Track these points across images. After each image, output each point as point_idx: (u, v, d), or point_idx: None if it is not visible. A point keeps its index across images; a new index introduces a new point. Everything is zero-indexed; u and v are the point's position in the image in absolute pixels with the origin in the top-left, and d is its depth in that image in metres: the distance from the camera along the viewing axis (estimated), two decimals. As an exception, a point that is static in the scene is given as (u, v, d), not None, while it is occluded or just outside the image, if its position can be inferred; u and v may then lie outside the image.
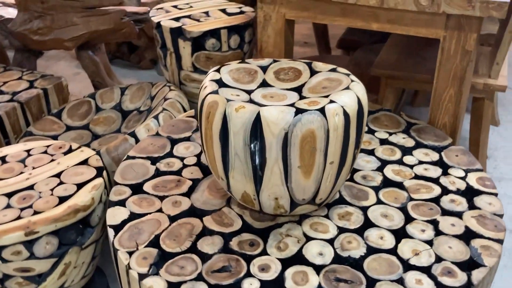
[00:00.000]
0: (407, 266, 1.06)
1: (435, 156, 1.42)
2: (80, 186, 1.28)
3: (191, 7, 2.07)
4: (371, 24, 1.54)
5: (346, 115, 1.04)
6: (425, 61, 1.99)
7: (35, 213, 1.19)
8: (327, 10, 1.58)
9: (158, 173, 1.37)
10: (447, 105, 1.56)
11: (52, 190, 1.27)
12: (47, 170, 1.35)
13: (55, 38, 2.14)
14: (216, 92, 1.09)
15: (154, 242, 1.14)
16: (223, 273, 1.05)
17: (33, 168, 1.35)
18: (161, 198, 1.27)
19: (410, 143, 1.48)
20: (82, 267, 1.30)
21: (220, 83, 1.15)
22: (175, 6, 2.07)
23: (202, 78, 1.93)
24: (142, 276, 1.05)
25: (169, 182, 1.33)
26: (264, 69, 1.24)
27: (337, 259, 1.08)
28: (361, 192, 1.28)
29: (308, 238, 1.13)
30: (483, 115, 1.86)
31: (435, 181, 1.32)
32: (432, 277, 1.03)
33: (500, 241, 1.12)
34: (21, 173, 1.34)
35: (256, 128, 1.03)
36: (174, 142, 1.50)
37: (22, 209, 1.21)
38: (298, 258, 1.08)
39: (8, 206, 1.22)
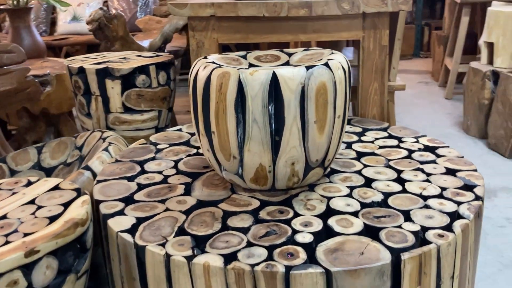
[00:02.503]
0: (423, 197, 1.15)
1: (384, 134, 1.60)
2: (65, 205, 1.12)
3: (104, 56, 2.04)
4: (299, 36, 1.73)
5: (344, 70, 1.15)
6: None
7: (25, 235, 1.00)
8: (258, 29, 1.73)
9: (142, 186, 1.27)
10: (374, 97, 1.78)
11: (33, 214, 1.08)
12: (14, 200, 1.14)
13: None
14: (219, 66, 1.11)
15: (182, 232, 1.04)
16: (271, 236, 1.01)
17: (-6, 203, 1.14)
18: (162, 202, 1.18)
19: (358, 130, 1.64)
20: None
21: (214, 64, 1.18)
22: (87, 57, 2.02)
23: (134, 119, 1.88)
24: (190, 258, 0.94)
25: (161, 190, 1.24)
26: (244, 57, 1.30)
27: (364, 205, 1.12)
28: (346, 163, 1.36)
29: (328, 198, 1.16)
30: (390, 116, 2.14)
31: (398, 147, 1.48)
32: (448, 199, 1.14)
33: (475, 170, 1.29)
34: (-19, 209, 1.11)
35: (273, 88, 1.06)
36: (140, 163, 1.41)
37: (6, 235, 1.00)
38: (331, 211, 1.10)
39: (-14, 236, 1.00)
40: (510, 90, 2.57)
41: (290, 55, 1.31)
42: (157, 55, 2.04)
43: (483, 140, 2.86)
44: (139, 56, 2.03)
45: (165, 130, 1.70)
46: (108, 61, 1.92)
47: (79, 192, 1.20)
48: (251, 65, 1.26)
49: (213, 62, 1.19)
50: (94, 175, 1.45)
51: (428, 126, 3.14)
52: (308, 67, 1.08)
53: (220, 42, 1.76)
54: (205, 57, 1.24)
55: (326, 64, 1.11)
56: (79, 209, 1.09)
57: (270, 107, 1.07)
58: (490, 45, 2.83)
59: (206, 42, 1.75)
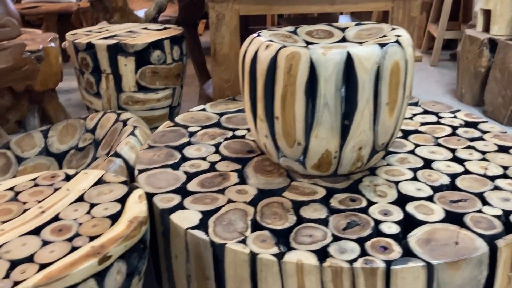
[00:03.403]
0: (489, 178, 1.13)
1: (419, 109, 1.56)
2: (121, 202, 1.02)
3: (107, 30, 1.88)
4: (325, 7, 1.65)
5: (412, 47, 1.09)
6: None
7: (91, 239, 0.90)
8: (282, 0, 1.63)
9: (191, 175, 1.18)
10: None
11: (88, 213, 0.98)
12: (61, 198, 1.04)
13: None
14: (285, 46, 1.03)
15: (256, 226, 0.98)
16: (354, 228, 0.96)
17: (38, 201, 1.03)
18: (220, 192, 1.10)
19: (390, 105, 1.59)
20: None
21: (276, 43, 1.08)
22: (89, 31, 1.86)
23: (148, 98, 1.75)
24: (279, 256, 0.88)
25: (213, 179, 1.16)
26: (295, 33, 1.22)
27: (435, 189, 1.09)
28: (396, 142, 1.32)
29: (395, 182, 1.12)
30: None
31: (439, 123, 1.44)
32: (515, 179, 1.13)
33: (525, 145, 1.28)
34: (25, 210, 1.00)
35: (348, 69, 0.99)
36: (178, 149, 1.32)
37: (69, 240, 0.90)
38: (405, 198, 1.06)
39: (46, 242, 0.90)
40: (509, 58, 2.59)
41: (342, 30, 1.24)
42: (165, 28, 1.90)
43: (478, 107, 2.90)
44: (146, 29, 1.89)
45: (189, 110, 1.60)
46: (115, 36, 1.77)
47: (126, 184, 1.10)
48: (307, 42, 1.17)
49: (271, 41, 1.09)
50: (126, 162, 1.35)
51: (421, 95, 3.15)
52: (381, 45, 1.02)
53: (242, 14, 1.65)
54: (258, 35, 1.15)
55: (397, 42, 1.04)
56: (139, 206, 1.00)
57: (343, 89, 1.00)
58: (487, 12, 2.82)
59: (227, 14, 1.64)
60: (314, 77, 0.99)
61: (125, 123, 1.56)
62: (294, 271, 0.87)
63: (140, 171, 1.21)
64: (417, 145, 1.30)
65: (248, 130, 1.41)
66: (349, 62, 0.99)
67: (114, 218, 0.97)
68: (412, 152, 1.26)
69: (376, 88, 1.02)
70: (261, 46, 1.06)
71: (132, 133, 1.44)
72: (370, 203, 1.04)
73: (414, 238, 0.92)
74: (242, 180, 1.15)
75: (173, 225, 1.01)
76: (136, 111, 1.76)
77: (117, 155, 1.36)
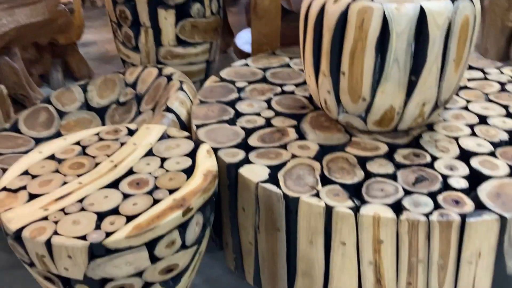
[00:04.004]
0: (547, 134, 1.15)
1: (463, 65, 1.55)
2: (191, 156, 1.04)
3: (142, -19, 1.84)
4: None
5: (479, 1, 1.07)
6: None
7: (170, 192, 0.93)
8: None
9: (249, 130, 1.19)
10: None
11: (162, 167, 1.00)
12: (130, 152, 1.05)
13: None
14: (354, 0, 1.01)
15: (326, 180, 1.00)
16: (423, 183, 0.98)
17: (108, 156, 1.04)
18: (282, 148, 1.12)
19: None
20: (198, 263, 1.05)
21: None
22: (125, -17, 1.82)
23: (187, 53, 1.74)
24: (355, 209, 0.91)
25: (272, 134, 1.17)
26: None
27: (495, 144, 1.10)
28: (446, 98, 1.32)
29: (455, 138, 1.13)
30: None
31: (486, 79, 1.44)
32: None
33: None
34: (97, 164, 1.02)
35: (419, 24, 0.98)
36: (229, 104, 1.32)
37: (149, 193, 0.92)
38: (467, 153, 1.07)
39: (127, 195, 0.92)
40: (540, 13, 2.54)
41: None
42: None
43: (503, 63, 2.88)
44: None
45: (231, 65, 1.59)
46: (152, -12, 1.73)
47: (190, 139, 1.11)
48: None
49: None
50: (178, 117, 1.36)
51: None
52: (453, 0, 1.00)
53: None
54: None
55: (467, -4, 1.03)
56: (210, 160, 1.02)
57: (413, 44, 1.00)
58: (518, -35, 2.75)
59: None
60: (385, 32, 0.99)
61: (169, 78, 1.55)
62: (370, 223, 0.90)
63: (198, 126, 1.22)
64: (468, 101, 1.30)
65: (297, 85, 1.41)
66: (421, 17, 0.98)
67: (188, 172, 0.99)
68: (465, 108, 1.27)
69: (446, 44, 1.02)
70: (329, 0, 1.05)
71: (181, 88, 1.44)
72: (434, 158, 1.06)
73: (483, 192, 0.94)
74: (301, 136, 1.17)
75: (242, 179, 1.03)
76: (175, 66, 1.75)
77: (168, 110, 1.36)
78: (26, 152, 1.48)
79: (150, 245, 0.85)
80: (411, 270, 0.92)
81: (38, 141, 1.54)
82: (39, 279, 0.94)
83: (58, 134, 1.59)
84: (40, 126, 1.61)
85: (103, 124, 1.66)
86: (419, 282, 0.93)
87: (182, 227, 0.89)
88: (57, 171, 1.00)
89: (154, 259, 0.87)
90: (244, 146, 1.14)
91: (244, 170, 1.03)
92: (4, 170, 1.32)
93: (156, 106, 1.56)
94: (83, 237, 0.82)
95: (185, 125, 1.36)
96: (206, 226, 0.99)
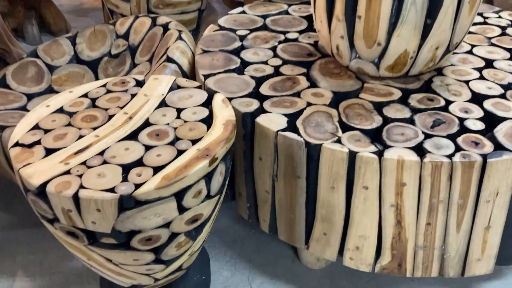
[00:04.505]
0: (552, 76, 1.17)
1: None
2: (206, 106, 1.02)
3: None
4: None
5: None
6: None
7: (193, 143, 0.91)
8: None
9: (259, 79, 1.17)
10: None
11: (178, 118, 0.98)
12: (143, 103, 1.02)
13: None
14: None
15: (345, 127, 1.00)
16: (440, 126, 0.99)
17: (120, 107, 1.01)
18: (296, 96, 1.10)
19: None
20: (217, 212, 1.05)
21: None
22: None
23: (179, 1, 1.67)
24: (379, 153, 0.92)
25: (283, 82, 1.16)
26: None
27: (504, 87, 1.12)
28: (451, 43, 1.32)
29: (465, 82, 1.14)
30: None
31: (486, 23, 1.45)
32: None
33: None
34: (110, 116, 0.98)
35: (439, -35, 0.97)
36: (233, 53, 1.29)
37: (171, 144, 0.90)
38: (480, 96, 1.09)
39: (148, 147, 0.90)
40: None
41: None
42: None
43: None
44: None
45: (228, 13, 1.53)
46: None
47: (201, 89, 1.09)
48: None
49: None
50: (180, 67, 1.32)
51: None
52: None
53: None
54: None
55: None
56: (227, 110, 1.00)
57: (430, -14, 0.99)
58: None
59: None
60: (405, -27, 0.97)
61: (165, 27, 1.49)
62: (394, 167, 0.91)
63: (206, 76, 1.19)
64: (473, 46, 1.31)
65: (300, 32, 1.38)
66: (440, -43, 0.96)
67: (206, 122, 0.97)
68: (469, 52, 1.28)
69: (463, -15, 1.01)
70: None
71: (180, 38, 1.39)
72: (448, 102, 1.07)
73: (500, 133, 0.96)
74: (313, 84, 1.15)
75: (260, 128, 1.02)
76: (166, 15, 1.68)
77: (170, 60, 1.32)
78: (19, 108, 1.42)
79: (178, 196, 0.84)
80: (431, 211, 0.95)
81: (30, 96, 1.48)
82: (59, 234, 0.92)
83: (50, 89, 1.53)
84: (30, 81, 1.53)
85: (96, 77, 1.60)
86: (438, 222, 0.96)
87: (208, 177, 0.88)
88: (69, 124, 0.96)
89: (181, 209, 0.87)
90: (256, 95, 1.12)
91: (261, 120, 1.02)
92: (1, 127, 1.27)
93: (152, 57, 1.51)
94: (111, 190, 0.80)
95: (187, 76, 1.32)
96: (226, 176, 0.98)
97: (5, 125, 1.28)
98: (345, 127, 1.00)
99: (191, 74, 1.34)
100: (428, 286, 1.19)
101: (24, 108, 1.42)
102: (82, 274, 1.27)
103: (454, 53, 1.26)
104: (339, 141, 0.95)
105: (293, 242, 1.12)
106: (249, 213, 1.19)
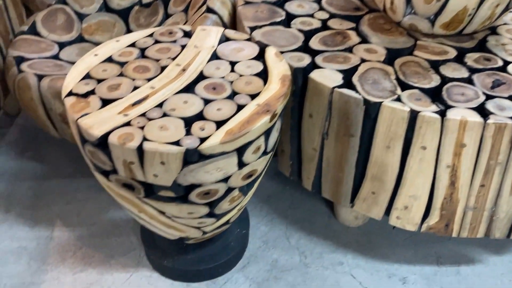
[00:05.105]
0: None
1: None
2: (258, 59, 0.99)
3: None
4: None
5: None
6: None
7: (252, 97, 0.89)
8: None
9: (307, 33, 1.13)
10: None
11: (232, 71, 0.95)
12: (194, 55, 0.99)
13: None
14: None
15: (403, 85, 0.97)
16: (501, 87, 0.97)
17: (172, 59, 0.98)
18: (348, 51, 1.07)
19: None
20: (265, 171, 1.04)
21: None
22: None
23: None
24: (442, 113, 0.90)
25: (333, 37, 1.12)
26: None
27: (561, 48, 1.09)
28: None
29: (520, 40, 1.11)
30: None
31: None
32: None
33: None
34: (163, 67, 0.95)
35: None
36: (277, 4, 1.24)
37: (230, 98, 0.88)
38: (536, 57, 1.06)
39: (208, 100, 0.87)
40: None
41: None
42: None
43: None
44: None
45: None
46: None
47: (251, 41, 1.05)
48: None
49: None
50: (220, 19, 1.27)
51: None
52: None
53: None
54: None
55: None
56: (282, 64, 0.97)
57: None
58: None
59: None
60: None
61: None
62: (456, 127, 0.89)
63: (252, 29, 1.15)
64: (524, 4, 1.26)
65: (344, -14, 1.33)
66: None
67: (261, 76, 0.94)
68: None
69: None
70: None
71: (219, -13, 1.34)
72: (506, 62, 1.04)
73: (562, 95, 0.94)
74: (364, 39, 1.12)
75: (314, 84, 0.99)
76: (199, -37, 1.61)
77: (210, 10, 1.27)
78: (52, 57, 1.38)
79: (239, 151, 0.83)
80: (487, 173, 0.94)
81: (61, 45, 1.44)
82: (112, 186, 0.91)
83: (80, 38, 1.49)
84: (60, 29, 1.49)
85: (128, 28, 1.55)
86: (492, 184, 0.96)
87: (267, 133, 0.87)
88: (122, 75, 0.94)
89: (241, 165, 0.86)
90: (305, 49, 1.09)
91: (315, 75, 0.99)
92: (38, 76, 1.24)
93: (188, 7, 1.46)
94: (176, 143, 0.79)
95: (227, 28, 1.28)
96: (280, 130, 0.97)
97: (42, 74, 1.25)
98: (403, 85, 0.97)
99: (231, 26, 1.30)
100: (462, 246, 1.21)
101: (57, 57, 1.38)
102: (121, 225, 1.28)
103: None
104: (398, 99, 0.93)
105: (337, 200, 1.12)
106: (291, 170, 1.18)
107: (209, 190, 0.86)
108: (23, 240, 1.24)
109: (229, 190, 0.90)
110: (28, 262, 1.19)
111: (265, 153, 0.90)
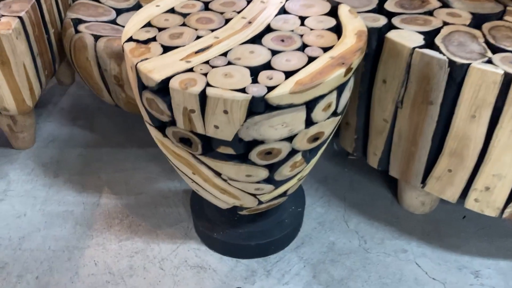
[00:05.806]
0: None
1: None
2: (331, 15, 0.91)
3: None
4: None
5: None
6: None
7: (325, 51, 0.81)
8: None
9: (382, -4, 1.04)
10: None
11: (302, 25, 0.87)
12: (261, 10, 0.92)
13: None
14: None
15: (493, 49, 0.87)
16: None
17: (237, 12, 0.91)
18: (428, 14, 0.97)
19: None
20: (330, 140, 0.95)
21: None
22: None
23: None
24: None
25: (410, 0, 1.02)
26: None
27: None
28: None
29: None
30: None
31: None
32: None
33: None
34: (227, 20, 0.89)
35: None
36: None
37: (301, 49, 0.80)
38: None
39: (275, 51, 0.80)
40: None
41: None
42: None
43: None
44: None
45: None
46: None
47: None
48: None
49: None
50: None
51: None
52: None
53: None
54: None
55: None
56: (356, 20, 0.88)
57: None
58: None
59: None
60: None
61: None
62: (558, 94, 0.78)
63: (321, -10, 1.07)
64: None
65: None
66: None
67: (334, 31, 0.86)
68: None
69: None
70: None
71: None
72: None
73: None
74: (445, 4, 1.02)
75: (391, 45, 0.90)
76: None
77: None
78: (108, 22, 1.35)
79: (309, 106, 0.75)
80: None
81: (118, 11, 1.40)
82: (167, 143, 0.85)
83: (138, 6, 1.45)
84: (117, -5, 1.46)
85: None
86: None
87: (340, 89, 0.78)
88: (184, 25, 0.88)
89: (308, 122, 0.77)
90: (383, 11, 0.99)
91: (393, 35, 0.90)
92: (95, 36, 1.20)
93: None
94: (241, 90, 0.71)
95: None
96: (351, 88, 0.88)
97: (98, 35, 1.21)
98: (494, 49, 0.87)
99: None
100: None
101: (114, 22, 1.35)
102: (169, 196, 1.22)
103: None
104: (489, 62, 0.83)
105: (406, 179, 1.02)
106: (355, 146, 1.09)
107: (272, 149, 0.78)
108: (70, 205, 1.20)
109: (292, 152, 0.81)
110: (74, 226, 1.15)
111: (335, 113, 0.81)
